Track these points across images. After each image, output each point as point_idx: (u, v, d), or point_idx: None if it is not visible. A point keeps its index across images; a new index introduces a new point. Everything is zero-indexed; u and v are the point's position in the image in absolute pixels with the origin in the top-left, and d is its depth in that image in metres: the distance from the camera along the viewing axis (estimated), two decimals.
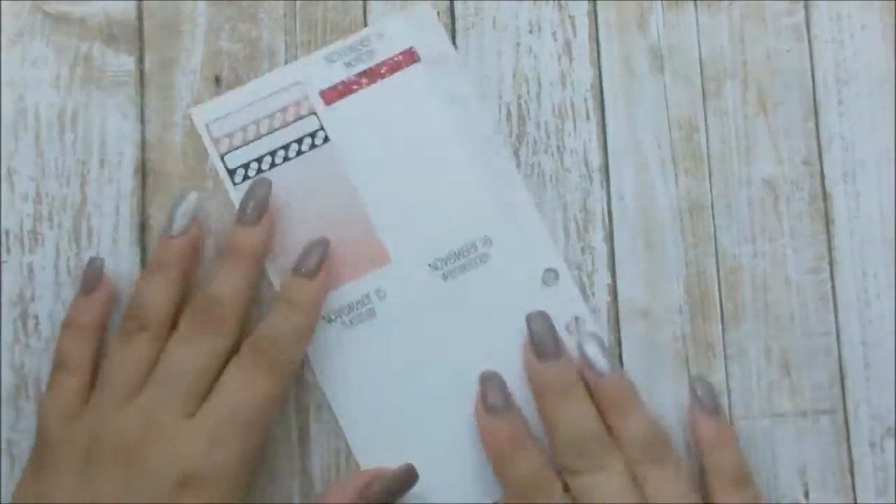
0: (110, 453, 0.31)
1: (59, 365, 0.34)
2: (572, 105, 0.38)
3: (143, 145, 0.37)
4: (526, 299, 0.36)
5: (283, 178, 0.36)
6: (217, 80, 0.38)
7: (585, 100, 0.38)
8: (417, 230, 0.37)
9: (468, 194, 0.37)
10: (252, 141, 0.37)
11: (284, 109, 0.37)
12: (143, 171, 0.37)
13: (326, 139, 0.37)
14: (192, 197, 0.35)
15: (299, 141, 0.37)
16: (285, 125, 0.37)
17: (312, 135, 0.37)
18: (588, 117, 0.38)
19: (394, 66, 0.37)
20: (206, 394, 0.33)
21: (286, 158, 0.37)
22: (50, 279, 0.36)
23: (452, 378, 0.36)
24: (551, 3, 0.38)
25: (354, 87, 0.37)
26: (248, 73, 0.38)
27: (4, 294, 0.36)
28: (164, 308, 0.34)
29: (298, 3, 0.38)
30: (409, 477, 0.34)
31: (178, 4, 0.38)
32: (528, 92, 0.38)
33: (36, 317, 0.36)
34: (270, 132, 0.37)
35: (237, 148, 0.37)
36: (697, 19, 0.38)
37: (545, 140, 0.38)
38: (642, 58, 0.38)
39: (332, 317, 0.36)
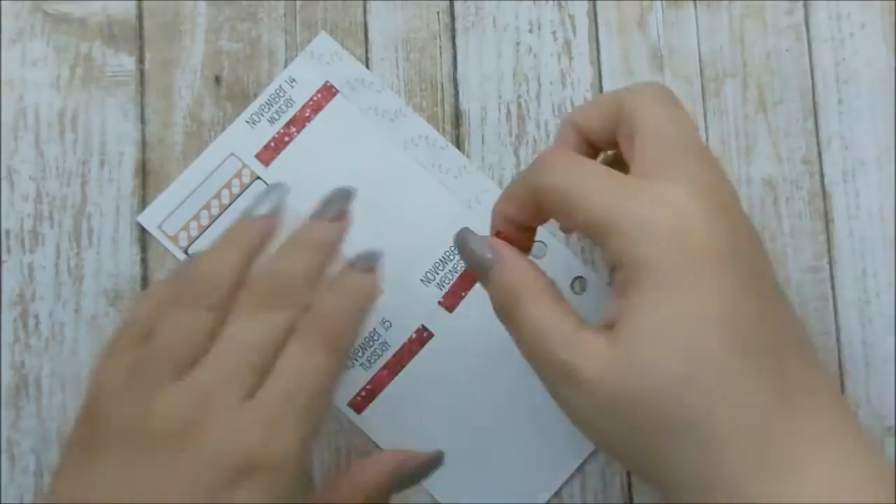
0: (162, 434, 0.28)
1: (126, 324, 0.31)
2: (572, 105, 0.38)
3: (143, 145, 0.37)
4: None
5: None
6: (217, 80, 0.38)
7: (585, 99, 0.38)
8: (396, 253, 0.36)
9: (430, 200, 0.37)
10: (209, 226, 0.37)
11: (228, 184, 0.37)
12: (143, 171, 0.37)
13: None
14: (282, 187, 0.33)
15: None
16: (234, 199, 0.37)
17: None
18: None
19: (315, 105, 0.37)
20: (266, 371, 0.30)
21: None
22: (50, 279, 0.37)
23: (476, 379, 0.36)
24: (551, 2, 0.38)
25: (286, 139, 0.37)
26: (248, 72, 0.38)
27: (4, 294, 0.36)
28: (228, 279, 0.31)
29: (298, 3, 0.38)
30: (439, 461, 0.33)
31: (178, 4, 0.38)
32: (528, 91, 0.38)
33: (36, 317, 0.36)
34: (223, 211, 0.37)
35: (197, 238, 0.37)
36: (697, 19, 0.38)
37: (545, 140, 0.38)
38: (642, 57, 0.38)
39: (350, 362, 0.36)
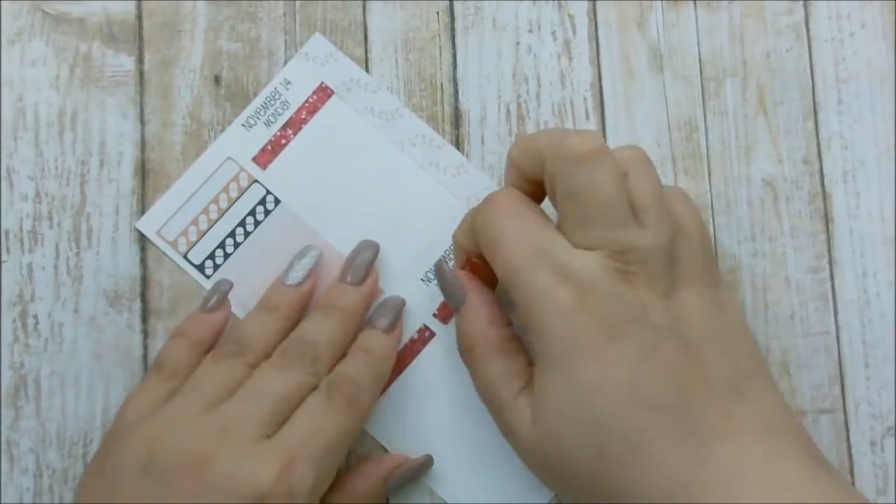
0: (179, 461, 0.30)
1: (156, 365, 0.34)
2: (572, 105, 0.38)
3: (142, 145, 0.37)
4: None
5: (252, 253, 0.37)
6: (217, 80, 0.38)
7: (585, 100, 0.38)
8: (396, 253, 0.37)
9: (429, 199, 0.37)
10: (207, 231, 0.37)
11: (226, 188, 0.37)
12: (142, 171, 0.37)
13: (277, 201, 0.37)
14: (314, 253, 0.36)
15: (252, 213, 0.37)
16: (233, 203, 0.37)
17: (262, 202, 0.37)
18: (588, 117, 0.38)
19: (311, 107, 0.37)
20: (285, 420, 0.32)
21: (247, 234, 0.37)
22: (50, 279, 0.37)
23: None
24: (551, 2, 0.38)
25: (283, 141, 0.37)
26: (248, 72, 0.38)
27: (4, 294, 0.36)
28: (263, 343, 0.34)
29: (298, 3, 0.38)
30: (428, 465, 0.35)
31: (178, 4, 0.38)
32: (528, 91, 0.38)
33: (36, 317, 0.36)
34: (221, 215, 0.37)
35: (196, 243, 0.37)
36: (697, 19, 0.38)
37: None
38: (642, 57, 0.38)
39: None
